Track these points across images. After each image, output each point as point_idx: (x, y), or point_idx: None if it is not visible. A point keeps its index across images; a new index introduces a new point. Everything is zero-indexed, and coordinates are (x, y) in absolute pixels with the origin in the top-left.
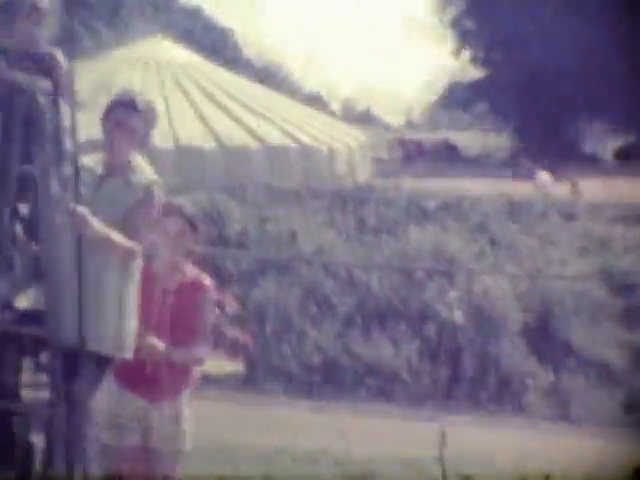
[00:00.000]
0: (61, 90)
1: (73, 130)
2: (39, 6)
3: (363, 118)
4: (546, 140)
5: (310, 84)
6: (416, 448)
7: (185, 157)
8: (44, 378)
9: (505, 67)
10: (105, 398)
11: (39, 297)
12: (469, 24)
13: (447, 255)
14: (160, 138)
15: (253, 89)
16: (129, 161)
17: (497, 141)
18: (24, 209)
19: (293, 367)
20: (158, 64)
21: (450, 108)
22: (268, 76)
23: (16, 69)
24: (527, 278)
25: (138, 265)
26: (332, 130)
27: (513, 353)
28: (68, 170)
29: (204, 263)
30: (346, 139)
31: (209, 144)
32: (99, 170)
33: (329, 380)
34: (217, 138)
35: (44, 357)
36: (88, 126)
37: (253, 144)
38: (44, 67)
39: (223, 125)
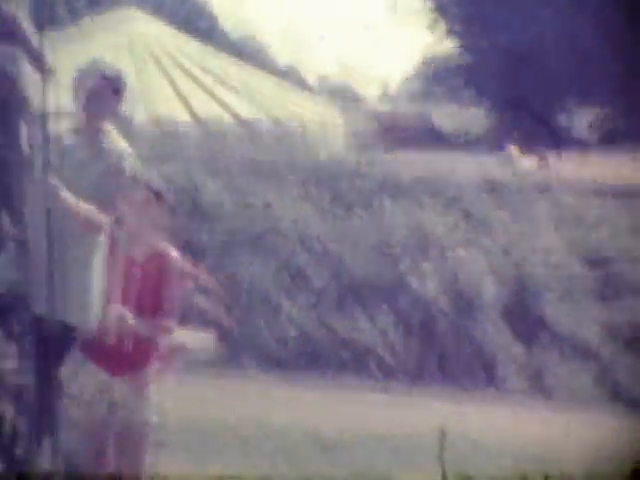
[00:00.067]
0: (29, 56)
1: (43, 98)
2: None
3: (339, 92)
4: (521, 115)
5: (286, 58)
6: (389, 422)
7: (158, 129)
8: (13, 348)
9: (481, 41)
10: (71, 370)
11: (9, 266)
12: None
13: (421, 229)
14: (133, 110)
15: (228, 62)
16: (99, 130)
17: (473, 115)
18: None
19: (267, 340)
20: (131, 35)
21: (426, 82)
22: (244, 49)
23: None
24: (501, 252)
25: (105, 236)
26: (307, 104)
27: (487, 326)
28: (38, 138)
29: (177, 236)
30: (321, 113)
31: (182, 117)
32: (69, 139)
33: (303, 353)
34: (191, 111)
35: (14, 326)
36: (58, 95)
37: (227, 118)
38: (6, 31)
39: (197, 98)
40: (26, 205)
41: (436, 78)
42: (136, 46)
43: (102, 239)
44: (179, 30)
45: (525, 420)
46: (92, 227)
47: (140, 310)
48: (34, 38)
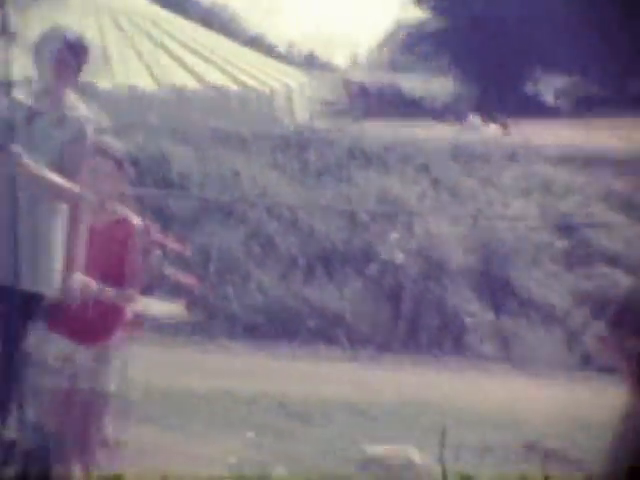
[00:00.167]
0: None
1: (7, 64)
2: None
3: (308, 60)
4: (489, 83)
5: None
6: (357, 390)
7: (123, 97)
8: None
9: (451, 9)
10: (36, 339)
11: None
12: None
13: (390, 197)
14: (98, 77)
15: (194, 29)
16: (62, 97)
17: (441, 83)
18: None
19: (236, 309)
20: (98, 1)
21: (394, 50)
22: (212, 17)
23: None
24: (469, 219)
25: (66, 204)
26: (273, 71)
27: (455, 294)
28: (2, 105)
29: (146, 204)
30: (287, 80)
31: (147, 84)
32: (32, 106)
33: (272, 322)
34: (155, 78)
35: None
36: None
37: (192, 84)
38: None
39: (162, 65)
40: None
41: (406, 46)
42: (102, 12)
43: (64, 207)
44: None
45: (494, 387)
46: (61, 196)
47: (103, 278)
48: None
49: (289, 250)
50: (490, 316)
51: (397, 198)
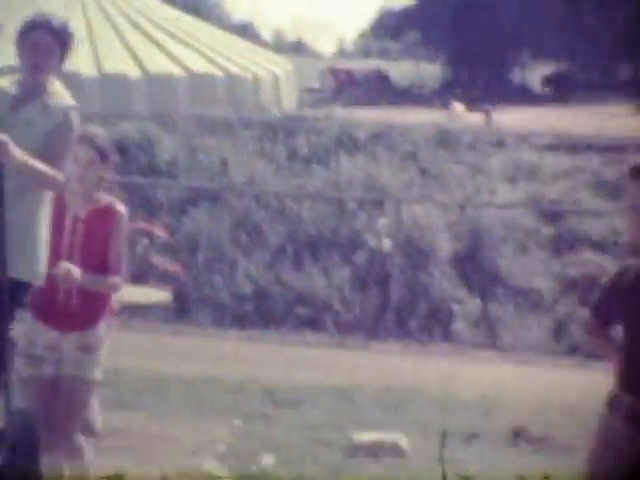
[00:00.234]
0: None
1: None
2: None
3: (294, 48)
4: (476, 70)
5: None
6: (345, 377)
7: (109, 84)
8: None
9: None
10: (20, 328)
11: None
12: None
13: (377, 184)
14: (83, 65)
15: (179, 17)
16: (46, 84)
17: (428, 71)
18: None
19: (224, 297)
20: None
21: (382, 37)
22: (198, 4)
23: None
24: (456, 207)
25: (50, 192)
26: (258, 59)
27: (442, 281)
28: None
29: (133, 193)
30: (272, 67)
31: (133, 71)
32: (15, 93)
33: (260, 309)
34: (141, 65)
35: None
36: (5, 48)
37: (177, 72)
38: None
39: (147, 53)
40: None
41: (392, 34)
42: (88, 0)
43: (47, 195)
44: None
45: (481, 373)
46: (45, 183)
47: (88, 266)
48: None
49: (277, 238)
50: (477, 303)
51: (384, 185)
